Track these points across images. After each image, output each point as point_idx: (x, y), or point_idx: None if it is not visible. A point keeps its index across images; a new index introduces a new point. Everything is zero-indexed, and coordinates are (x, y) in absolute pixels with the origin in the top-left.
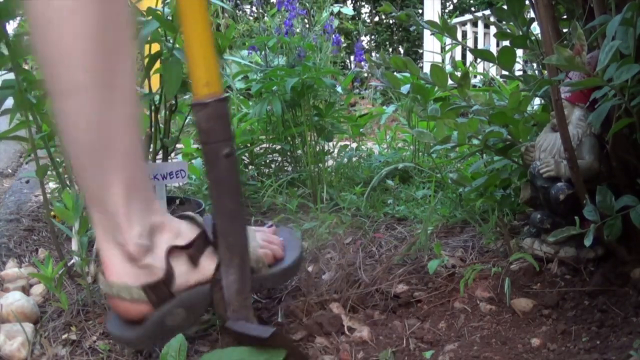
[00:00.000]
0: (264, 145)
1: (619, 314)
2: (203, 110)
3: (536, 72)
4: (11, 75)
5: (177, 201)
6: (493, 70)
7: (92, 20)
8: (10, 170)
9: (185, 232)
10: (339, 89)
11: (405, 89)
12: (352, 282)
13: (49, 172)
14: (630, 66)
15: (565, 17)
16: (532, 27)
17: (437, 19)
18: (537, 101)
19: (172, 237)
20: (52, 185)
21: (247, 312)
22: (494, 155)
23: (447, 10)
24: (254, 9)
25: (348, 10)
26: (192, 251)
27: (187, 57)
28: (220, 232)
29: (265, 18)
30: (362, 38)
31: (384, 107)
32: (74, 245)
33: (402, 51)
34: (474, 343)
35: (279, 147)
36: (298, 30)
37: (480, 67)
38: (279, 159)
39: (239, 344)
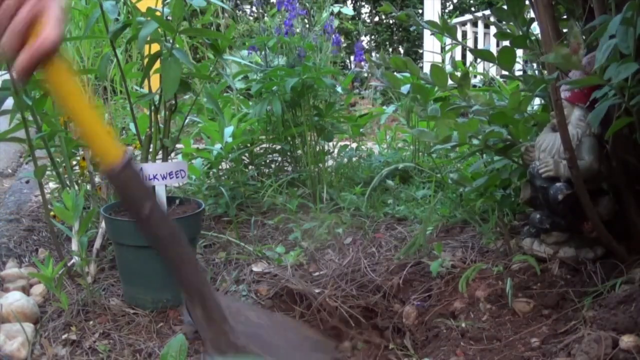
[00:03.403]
0: (264, 145)
1: None
2: (114, 181)
3: (536, 72)
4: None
5: (177, 201)
6: (493, 70)
7: None
8: (10, 170)
9: None
10: (339, 89)
11: (405, 89)
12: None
13: (48, 172)
14: (628, 65)
15: (565, 17)
16: (532, 27)
17: (437, 19)
18: (537, 101)
19: None
20: (52, 185)
21: (225, 337)
22: (494, 155)
23: (447, 10)
24: (254, 9)
25: (348, 10)
26: None
27: (83, 138)
28: (177, 280)
29: (265, 18)
30: (362, 38)
31: (384, 107)
32: (74, 245)
33: (402, 51)
34: (474, 343)
35: (279, 147)
36: (298, 30)
37: (480, 67)
38: (279, 159)
39: None
